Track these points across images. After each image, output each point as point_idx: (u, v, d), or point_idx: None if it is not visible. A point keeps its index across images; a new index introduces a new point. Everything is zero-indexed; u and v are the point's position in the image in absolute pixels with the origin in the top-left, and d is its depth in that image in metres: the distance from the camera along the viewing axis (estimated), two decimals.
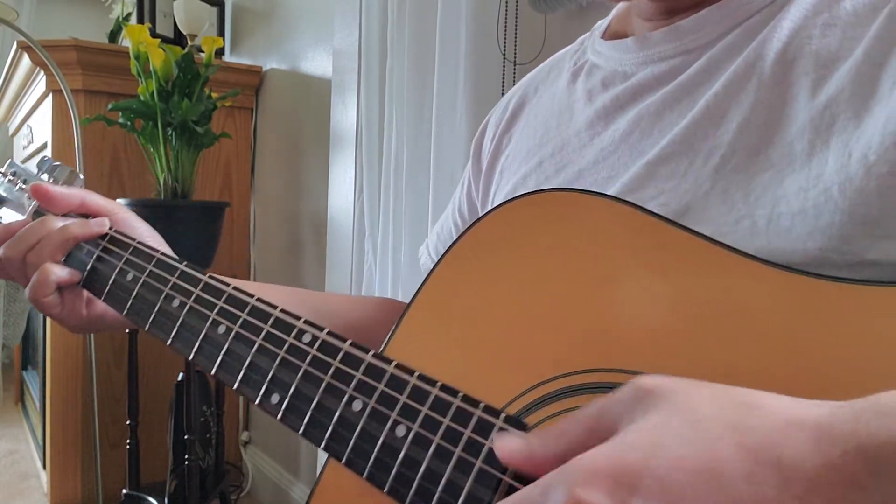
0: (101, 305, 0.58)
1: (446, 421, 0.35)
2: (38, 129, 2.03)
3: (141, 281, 0.53)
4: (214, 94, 1.60)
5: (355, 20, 1.40)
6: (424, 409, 0.36)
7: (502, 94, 1.02)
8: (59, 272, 0.55)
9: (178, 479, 1.63)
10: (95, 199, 0.60)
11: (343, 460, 0.38)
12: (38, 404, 2.17)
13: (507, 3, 1.01)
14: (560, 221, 0.39)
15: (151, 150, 1.52)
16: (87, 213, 0.59)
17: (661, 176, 0.43)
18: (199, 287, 0.49)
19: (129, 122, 1.49)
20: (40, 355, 2.08)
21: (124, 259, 0.55)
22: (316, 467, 1.56)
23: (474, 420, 0.34)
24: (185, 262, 0.52)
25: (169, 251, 0.57)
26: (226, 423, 1.77)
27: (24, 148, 2.30)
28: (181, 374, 1.63)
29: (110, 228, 0.57)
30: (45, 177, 0.64)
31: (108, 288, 0.55)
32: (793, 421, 0.22)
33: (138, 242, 0.55)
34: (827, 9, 0.40)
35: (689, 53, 0.45)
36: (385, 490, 0.36)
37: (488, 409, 0.34)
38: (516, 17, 1.01)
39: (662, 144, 0.43)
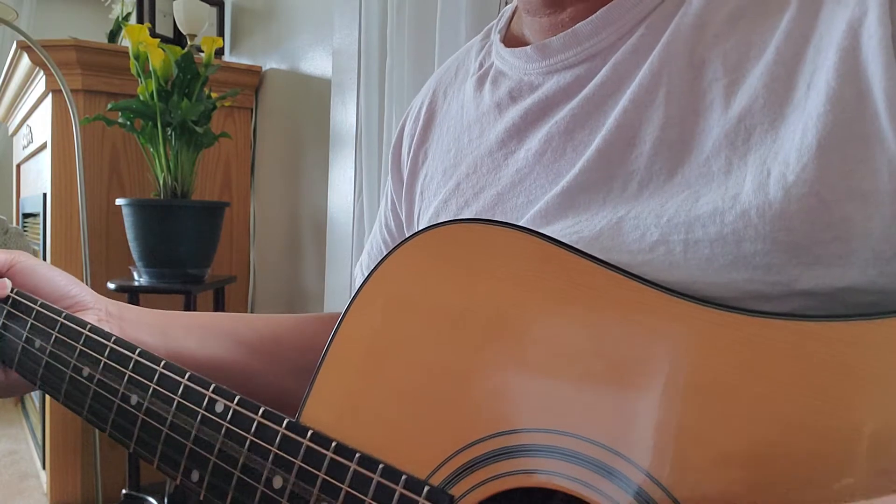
0: (13, 373, 0.55)
1: (367, 499, 0.35)
2: (37, 129, 2.03)
3: (48, 350, 0.50)
4: (214, 94, 1.61)
5: (355, 20, 1.40)
6: (345, 487, 0.36)
7: None
8: None
9: None
10: None
11: None
12: (38, 404, 2.17)
13: (506, 3, 1.01)
14: (471, 258, 0.36)
15: (151, 150, 1.52)
16: None
17: (580, 204, 0.40)
18: (106, 353, 0.48)
19: (128, 122, 1.49)
20: None
21: (28, 325, 0.52)
22: None
23: (396, 497, 0.34)
24: (88, 326, 0.49)
25: (82, 291, 0.55)
26: None
27: (24, 148, 2.30)
28: None
29: (12, 291, 0.53)
30: None
31: (17, 358, 0.52)
32: None
33: (41, 304, 0.52)
34: None
35: (593, 59, 0.42)
36: None
37: (411, 482, 0.34)
38: None
39: (575, 172, 0.40)
